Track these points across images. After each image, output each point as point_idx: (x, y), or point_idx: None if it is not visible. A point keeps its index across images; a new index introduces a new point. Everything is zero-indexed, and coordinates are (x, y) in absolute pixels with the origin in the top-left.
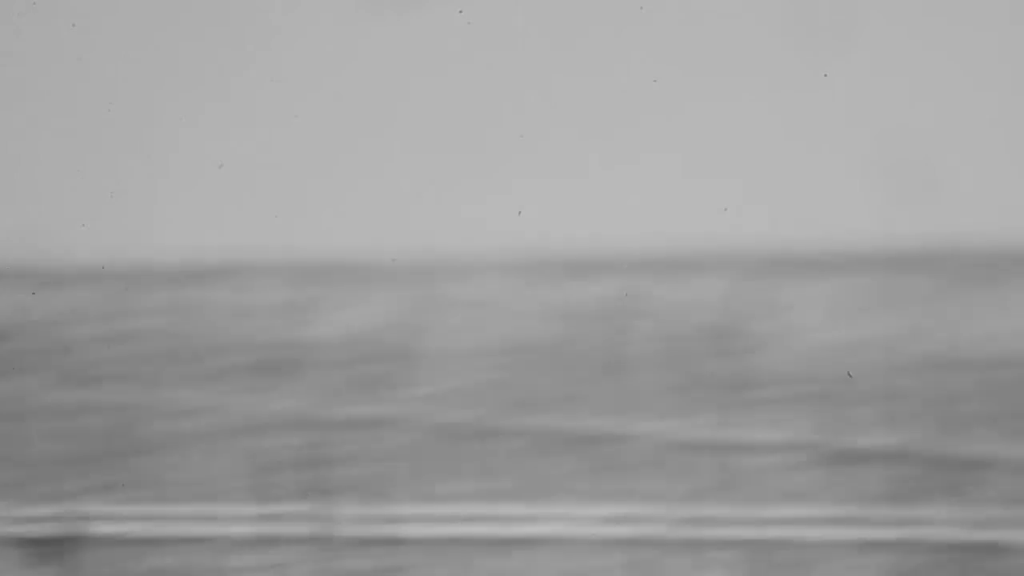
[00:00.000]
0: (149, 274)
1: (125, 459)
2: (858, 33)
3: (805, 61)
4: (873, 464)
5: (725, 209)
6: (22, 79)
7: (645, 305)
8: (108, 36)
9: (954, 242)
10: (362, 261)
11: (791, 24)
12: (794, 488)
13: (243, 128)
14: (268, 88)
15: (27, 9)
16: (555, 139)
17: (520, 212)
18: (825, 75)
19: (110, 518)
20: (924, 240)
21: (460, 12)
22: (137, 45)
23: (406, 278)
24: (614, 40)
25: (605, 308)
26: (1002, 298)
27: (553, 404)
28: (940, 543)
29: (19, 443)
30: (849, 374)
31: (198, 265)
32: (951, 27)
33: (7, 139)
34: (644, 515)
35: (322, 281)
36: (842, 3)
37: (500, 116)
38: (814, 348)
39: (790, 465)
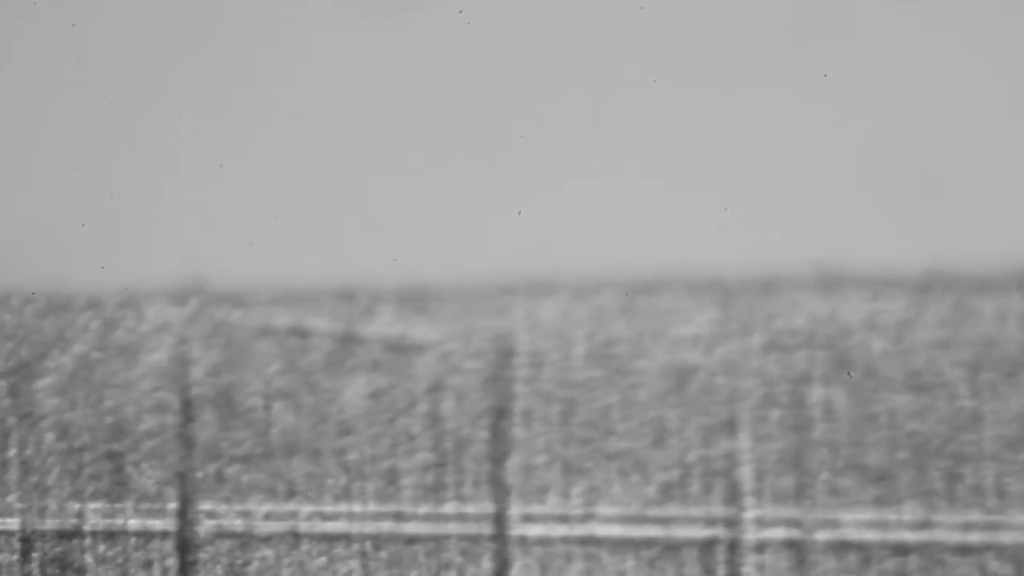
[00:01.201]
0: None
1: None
2: (859, 34)
3: (805, 61)
4: None
5: (725, 209)
6: (22, 79)
7: None
8: (108, 36)
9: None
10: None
11: (791, 24)
12: None
13: (243, 128)
14: (268, 88)
15: (27, 9)
16: (555, 139)
17: (520, 212)
18: (825, 75)
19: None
20: (924, 245)
21: (460, 12)
22: (137, 45)
23: None
24: (614, 40)
25: None
26: None
27: None
28: None
29: (864, 448)
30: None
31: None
32: (952, 28)
33: (6, 139)
34: None
35: None
36: (843, 3)
37: (499, 116)
38: None
39: None
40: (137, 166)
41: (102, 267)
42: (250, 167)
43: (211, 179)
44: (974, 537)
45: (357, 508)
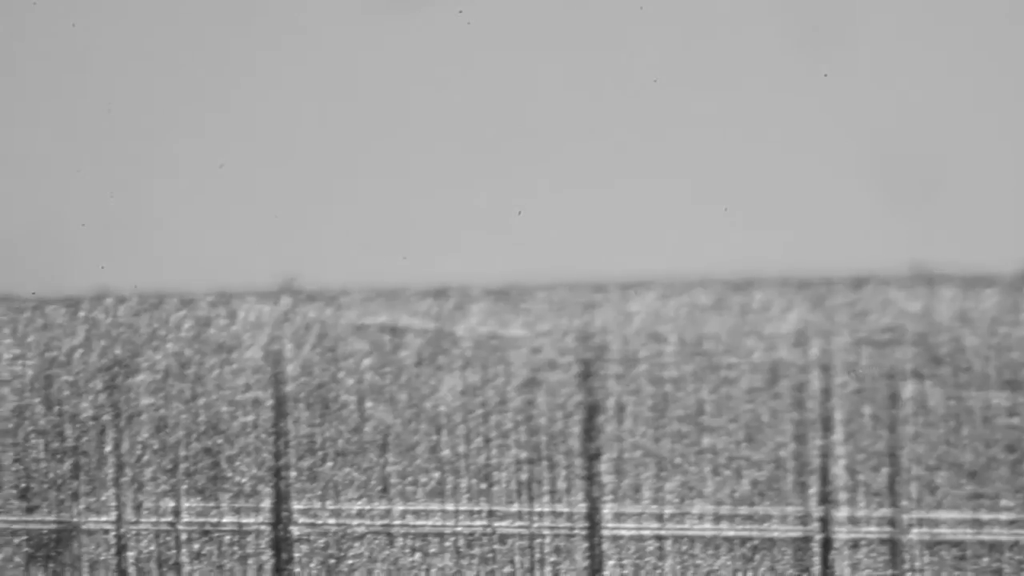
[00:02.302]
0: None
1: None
2: (859, 34)
3: (805, 61)
4: None
5: (725, 209)
6: (22, 79)
7: None
8: (108, 36)
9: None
10: None
11: (791, 24)
12: None
13: (243, 128)
14: (267, 88)
15: (27, 9)
16: (555, 139)
17: (520, 212)
18: (825, 75)
19: None
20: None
21: (460, 12)
22: (137, 45)
23: None
24: (614, 40)
25: None
26: None
27: None
28: None
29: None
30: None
31: None
32: (953, 28)
33: (6, 139)
34: None
35: None
36: (843, 3)
37: (499, 116)
38: None
39: None
40: (137, 166)
41: (102, 267)
42: (250, 167)
43: (211, 179)
44: None
45: (450, 506)
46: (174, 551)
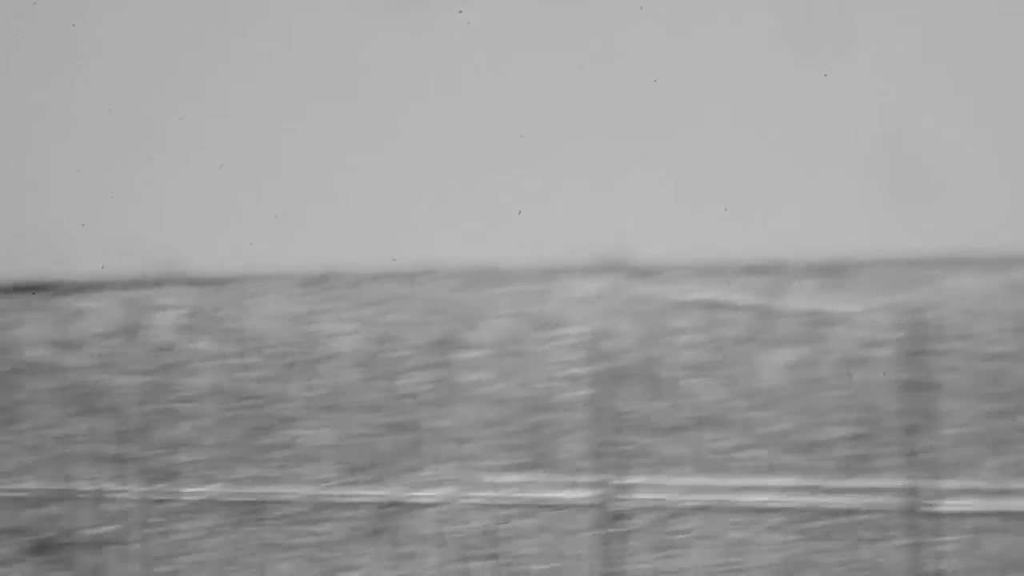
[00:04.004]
0: None
1: None
2: (859, 34)
3: (805, 61)
4: None
5: (725, 209)
6: (22, 79)
7: None
8: (108, 36)
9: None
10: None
11: (791, 24)
12: None
13: (243, 128)
14: (268, 88)
15: (27, 9)
16: (555, 139)
17: (520, 212)
18: (825, 75)
19: None
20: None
21: (460, 12)
22: (137, 46)
23: None
24: (614, 40)
25: None
26: None
27: None
28: None
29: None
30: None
31: None
32: (952, 28)
33: (7, 139)
34: None
35: None
36: (843, 3)
37: (499, 116)
38: None
39: None
40: (137, 166)
41: (102, 267)
42: (250, 167)
43: (211, 179)
44: None
45: (776, 481)
46: (502, 525)
